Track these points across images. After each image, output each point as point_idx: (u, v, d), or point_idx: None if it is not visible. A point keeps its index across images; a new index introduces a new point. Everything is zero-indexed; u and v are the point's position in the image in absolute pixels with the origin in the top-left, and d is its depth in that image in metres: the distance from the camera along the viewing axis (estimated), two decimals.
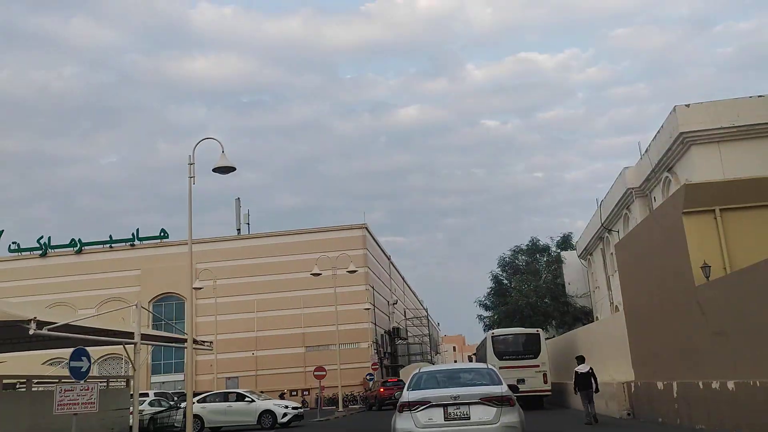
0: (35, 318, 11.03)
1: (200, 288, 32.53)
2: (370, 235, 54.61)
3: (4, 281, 52.15)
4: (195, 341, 18.80)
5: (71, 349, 14.35)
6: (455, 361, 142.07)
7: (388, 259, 65.18)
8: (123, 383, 18.95)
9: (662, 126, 21.51)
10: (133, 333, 15.13)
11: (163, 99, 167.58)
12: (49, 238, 53.49)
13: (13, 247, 53.36)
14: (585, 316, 39.59)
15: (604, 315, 33.25)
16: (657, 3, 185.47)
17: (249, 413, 22.97)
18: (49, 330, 11.56)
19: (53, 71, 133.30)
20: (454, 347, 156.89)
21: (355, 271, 33.19)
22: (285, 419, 22.78)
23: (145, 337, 15.63)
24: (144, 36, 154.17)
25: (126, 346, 15.54)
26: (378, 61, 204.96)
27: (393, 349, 59.49)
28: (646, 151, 23.94)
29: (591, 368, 16.54)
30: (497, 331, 25.98)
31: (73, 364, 10.64)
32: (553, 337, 35.16)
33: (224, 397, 23.76)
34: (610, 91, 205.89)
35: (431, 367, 10.98)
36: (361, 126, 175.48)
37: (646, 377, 15.86)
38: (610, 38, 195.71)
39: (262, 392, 31.72)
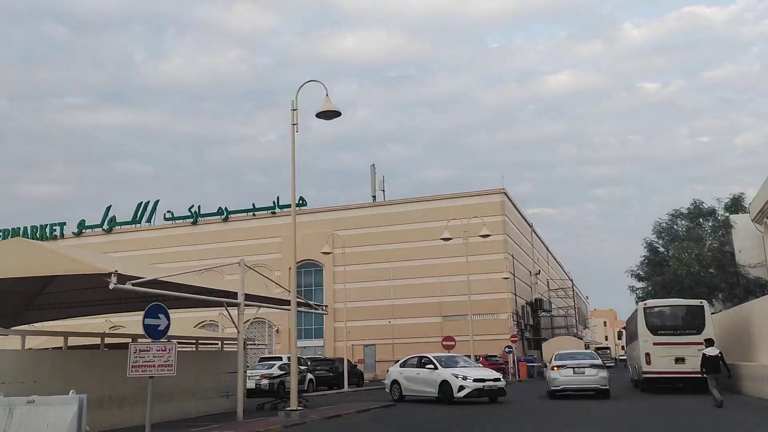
0: (116, 271, 10.17)
1: (329, 253, 31.96)
2: (510, 201, 51.63)
3: (161, 247, 55.70)
4: (308, 305, 17.71)
5: (228, 310, 13.59)
6: (606, 337, 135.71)
7: (530, 227, 61.70)
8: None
9: None
10: (236, 293, 14.20)
11: (316, 77, 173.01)
12: (199, 206, 56.23)
13: (167, 215, 56.76)
14: (759, 288, 34.24)
15: None
16: None
17: (430, 383, 19.06)
18: (133, 285, 10.71)
19: (219, 56, 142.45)
20: (605, 322, 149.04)
21: (488, 236, 30.89)
22: (461, 394, 17.89)
23: (249, 297, 14.68)
24: (299, 18, 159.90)
25: (233, 307, 14.65)
26: (526, 28, 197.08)
27: (535, 322, 56.41)
28: None
29: (720, 352, 16.93)
30: (651, 302, 22.63)
31: (148, 321, 9.64)
32: (719, 311, 30.66)
33: (419, 361, 20.20)
34: None
35: (563, 351, 22.46)
36: (509, 96, 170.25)
37: None
38: None
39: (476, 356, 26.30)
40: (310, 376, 29.17)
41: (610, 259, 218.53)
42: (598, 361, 20.05)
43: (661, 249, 40.52)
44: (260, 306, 15.54)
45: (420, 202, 50.90)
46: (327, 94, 14.74)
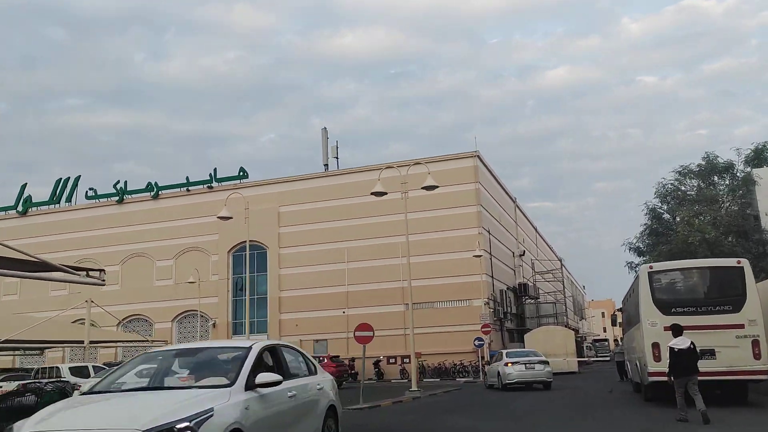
0: None
1: (229, 218, 24.18)
2: (485, 166, 43.78)
3: (82, 230, 47.91)
4: (55, 268, 9.91)
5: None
6: (604, 329, 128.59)
7: (513, 201, 53.89)
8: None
9: None
10: None
11: (315, 76, 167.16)
12: (126, 182, 48.26)
13: (89, 193, 48.86)
14: None
15: None
16: None
17: None
18: None
19: (219, 56, 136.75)
20: (603, 313, 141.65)
21: (434, 187, 23.09)
22: None
23: None
24: (298, 17, 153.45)
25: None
26: (525, 24, 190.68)
27: (519, 310, 48.70)
28: None
29: (692, 343, 11.15)
30: (659, 266, 14.85)
31: None
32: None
33: None
34: None
35: (516, 350, 26.45)
36: (508, 91, 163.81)
37: None
38: None
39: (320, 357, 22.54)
40: None
41: (610, 252, 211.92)
42: (544, 358, 23.53)
43: (667, 215, 32.82)
44: None
45: (378, 170, 42.96)
46: None
